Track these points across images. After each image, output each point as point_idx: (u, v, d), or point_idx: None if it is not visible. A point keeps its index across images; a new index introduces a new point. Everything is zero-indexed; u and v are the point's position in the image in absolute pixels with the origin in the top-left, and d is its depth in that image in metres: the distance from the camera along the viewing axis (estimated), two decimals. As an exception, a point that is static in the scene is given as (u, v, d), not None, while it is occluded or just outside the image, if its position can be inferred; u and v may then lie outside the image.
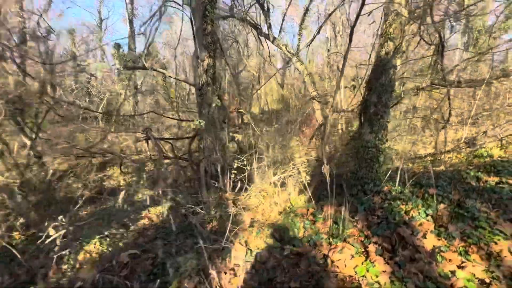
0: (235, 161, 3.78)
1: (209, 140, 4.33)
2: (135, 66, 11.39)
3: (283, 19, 11.94)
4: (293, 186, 4.65)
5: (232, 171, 3.78)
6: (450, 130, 8.76)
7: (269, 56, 13.26)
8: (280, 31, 12.40)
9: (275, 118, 9.84)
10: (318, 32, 5.18)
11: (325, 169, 4.00)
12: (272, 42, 10.72)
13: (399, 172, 3.42)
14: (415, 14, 4.73)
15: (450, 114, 6.22)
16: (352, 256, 2.18)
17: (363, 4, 2.57)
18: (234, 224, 3.45)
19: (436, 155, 6.21)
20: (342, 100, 10.91)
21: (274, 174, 4.48)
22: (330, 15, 4.64)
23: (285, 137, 5.00)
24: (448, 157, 5.85)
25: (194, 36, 4.54)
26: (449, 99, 5.85)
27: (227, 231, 2.66)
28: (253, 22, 10.72)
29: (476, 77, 8.89)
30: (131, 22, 18.28)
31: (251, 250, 2.50)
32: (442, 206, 2.82)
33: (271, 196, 4.59)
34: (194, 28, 4.48)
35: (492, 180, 3.51)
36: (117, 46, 18.92)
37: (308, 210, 3.26)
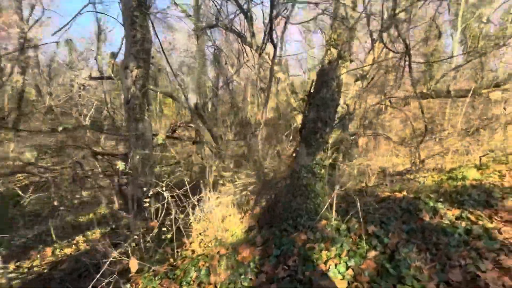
0: (151, 188, 3.24)
1: (136, 160, 3.82)
2: (101, 76, 11.08)
3: (265, 29, 11.53)
4: (234, 212, 4.09)
5: (145, 200, 3.24)
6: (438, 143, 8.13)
7: (256, 65, 12.89)
8: (263, 41, 12.02)
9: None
10: (267, 40, 4.73)
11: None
12: (256, 51, 10.35)
13: (334, 201, 2.84)
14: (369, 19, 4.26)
15: (426, 129, 5.64)
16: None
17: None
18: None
19: (407, 173, 5.59)
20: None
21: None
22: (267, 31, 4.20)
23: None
24: (423, 177, 5.22)
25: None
26: (422, 112, 5.28)
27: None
28: (238, 31, 10.39)
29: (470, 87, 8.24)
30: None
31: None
32: (372, 253, 2.23)
33: (217, 222, 4.04)
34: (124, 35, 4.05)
35: (452, 214, 2.89)
36: (112, 55, 18.87)
37: (219, 251, 2.69)
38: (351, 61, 3.48)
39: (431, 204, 3.10)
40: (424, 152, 7.16)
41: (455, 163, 6.10)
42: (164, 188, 3.23)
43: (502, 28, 10.71)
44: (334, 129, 8.29)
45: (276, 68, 10.68)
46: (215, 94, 16.32)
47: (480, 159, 4.66)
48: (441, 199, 3.21)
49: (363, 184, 6.22)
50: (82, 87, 17.35)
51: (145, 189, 3.36)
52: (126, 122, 3.95)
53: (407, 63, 4.65)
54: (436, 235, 2.42)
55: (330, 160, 5.22)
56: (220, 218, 3.97)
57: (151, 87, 7.26)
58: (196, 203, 3.35)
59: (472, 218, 2.75)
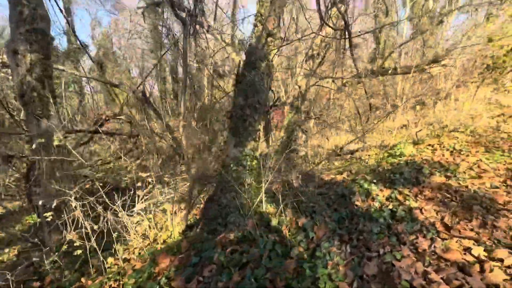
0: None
1: (44, 167, 3.21)
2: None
3: (216, 6, 10.76)
4: (174, 211, 3.75)
5: (45, 214, 2.73)
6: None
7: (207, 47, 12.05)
8: (214, 19, 11.22)
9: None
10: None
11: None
12: (207, 30, 9.57)
13: (263, 195, 2.63)
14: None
15: (370, 107, 5.70)
16: None
17: None
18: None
19: (356, 152, 5.70)
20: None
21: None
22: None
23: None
24: (368, 155, 5.35)
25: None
26: (365, 92, 5.28)
27: None
28: (187, 9, 9.45)
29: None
30: (67, 10, 15.82)
31: None
32: (296, 251, 2.07)
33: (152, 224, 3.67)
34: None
35: (383, 195, 2.88)
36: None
37: (134, 266, 2.35)
38: (281, 38, 3.17)
39: (366, 186, 3.07)
40: (371, 129, 7.39)
41: (402, 137, 6.36)
42: (73, 196, 2.73)
43: (443, 7, 11.24)
44: (289, 112, 8.10)
45: (229, 48, 10.03)
46: (175, 80, 15.14)
47: (416, 134, 4.84)
48: (374, 181, 3.20)
49: (314, 165, 6.24)
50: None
51: (41, 202, 2.82)
52: (25, 120, 3.26)
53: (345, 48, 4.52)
54: (363, 221, 2.35)
55: (276, 147, 5.04)
56: (153, 221, 3.60)
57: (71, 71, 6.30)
58: (116, 208, 2.92)
59: (400, 198, 2.75)
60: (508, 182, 2.85)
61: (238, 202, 2.73)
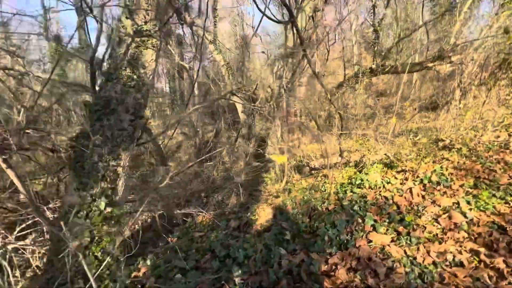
0: None
1: None
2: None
3: (200, 1, 10.09)
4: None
5: None
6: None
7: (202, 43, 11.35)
8: (199, 15, 10.54)
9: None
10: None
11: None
12: (190, 26, 8.91)
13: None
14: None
15: (341, 118, 4.68)
16: None
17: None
18: None
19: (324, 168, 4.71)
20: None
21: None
22: None
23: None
24: (334, 177, 4.33)
25: None
26: (329, 100, 4.27)
27: None
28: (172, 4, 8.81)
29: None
30: (78, 10, 15.73)
31: None
32: None
33: None
34: None
35: (290, 262, 1.96)
36: (57, 39, 16.11)
37: None
38: (160, 33, 2.31)
39: (275, 246, 2.16)
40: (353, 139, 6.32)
41: (387, 151, 5.25)
42: None
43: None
44: (258, 121, 7.20)
45: (211, 47, 9.16)
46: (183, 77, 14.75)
47: (388, 156, 3.77)
48: (293, 235, 2.27)
49: (278, 185, 5.31)
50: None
51: None
52: None
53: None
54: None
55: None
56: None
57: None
58: None
59: (305, 276, 1.82)
60: (482, 254, 1.82)
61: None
